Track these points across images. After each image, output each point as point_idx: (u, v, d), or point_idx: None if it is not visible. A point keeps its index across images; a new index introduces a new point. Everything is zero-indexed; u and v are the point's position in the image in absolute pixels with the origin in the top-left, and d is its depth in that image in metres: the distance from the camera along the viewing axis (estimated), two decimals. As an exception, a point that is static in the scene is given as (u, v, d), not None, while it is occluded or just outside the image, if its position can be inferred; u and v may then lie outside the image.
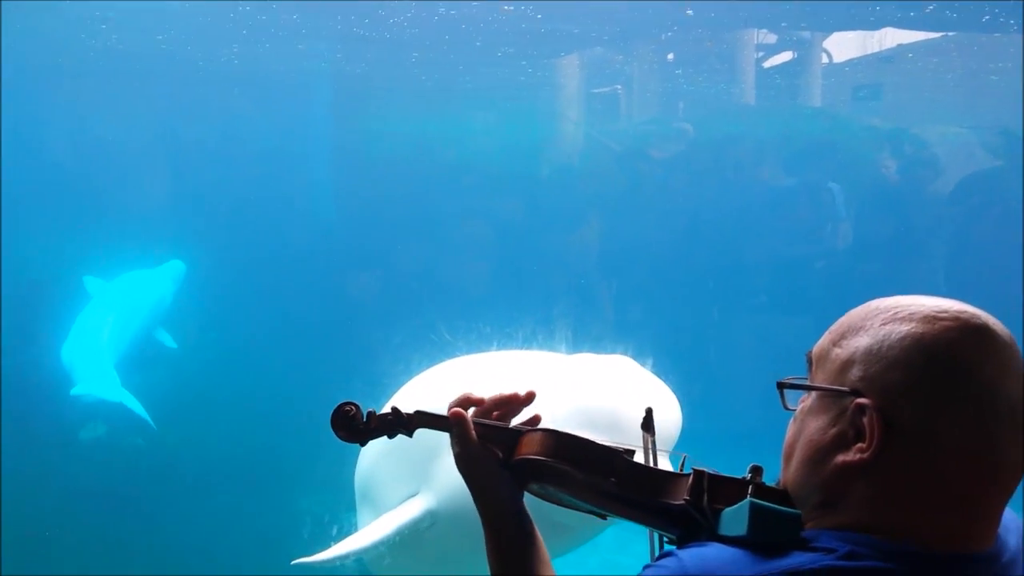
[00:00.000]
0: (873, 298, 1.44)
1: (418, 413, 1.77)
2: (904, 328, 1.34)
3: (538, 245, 10.91)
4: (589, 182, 11.04)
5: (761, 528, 1.35)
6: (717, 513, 1.46)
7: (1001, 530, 1.39)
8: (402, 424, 1.77)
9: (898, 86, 11.90)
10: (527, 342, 4.86)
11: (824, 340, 1.45)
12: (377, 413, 1.77)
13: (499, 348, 4.69)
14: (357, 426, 1.76)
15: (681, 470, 1.59)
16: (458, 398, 1.75)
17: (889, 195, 10.71)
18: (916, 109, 12.67)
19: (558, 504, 1.71)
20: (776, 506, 1.38)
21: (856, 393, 1.34)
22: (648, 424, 1.76)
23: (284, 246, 10.54)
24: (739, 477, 1.49)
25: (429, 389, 4.16)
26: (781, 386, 1.47)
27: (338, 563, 4.01)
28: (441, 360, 4.49)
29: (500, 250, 10.88)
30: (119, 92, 10.90)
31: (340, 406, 1.75)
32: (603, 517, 1.68)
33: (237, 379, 8.69)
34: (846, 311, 1.44)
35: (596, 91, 11.80)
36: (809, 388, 1.44)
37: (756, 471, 1.48)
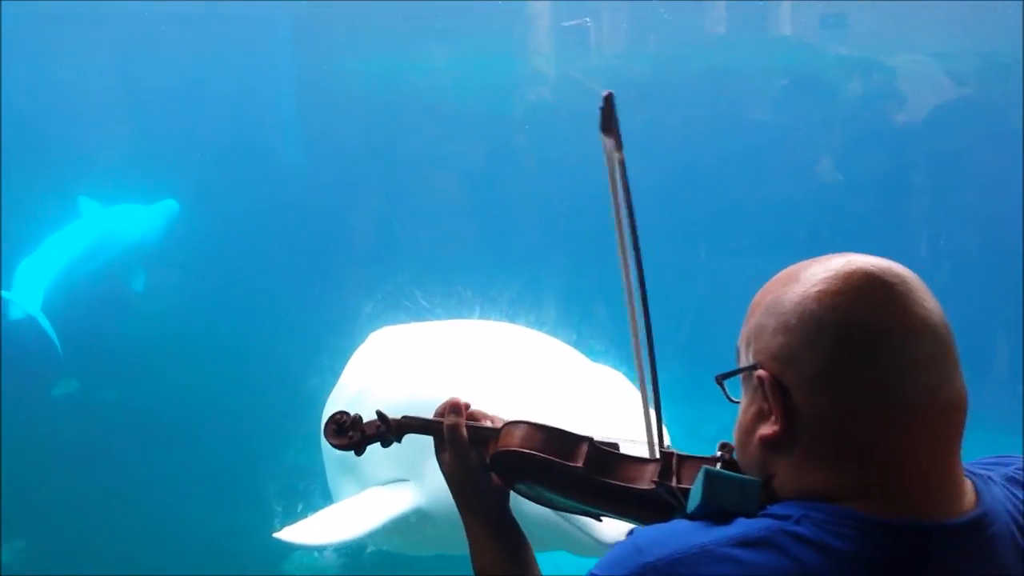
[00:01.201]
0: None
1: (407, 419, 1.78)
2: (787, 293, 1.34)
3: (513, 191, 10.74)
4: (564, 121, 10.84)
5: (716, 497, 1.32)
6: (686, 493, 1.42)
7: (986, 495, 1.33)
8: (391, 431, 1.78)
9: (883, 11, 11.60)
10: (508, 308, 4.76)
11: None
12: (365, 421, 1.78)
13: (479, 315, 4.59)
14: (349, 435, 1.77)
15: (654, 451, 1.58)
16: (448, 403, 1.76)
17: (876, 129, 10.55)
18: (904, 34, 12.36)
19: (548, 506, 1.69)
20: (731, 473, 1.36)
21: (754, 367, 1.35)
22: (607, 119, 1.44)
23: (244, 196, 10.30)
24: (709, 456, 1.46)
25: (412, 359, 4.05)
26: (718, 380, 1.44)
27: (320, 551, 3.94)
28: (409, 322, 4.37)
29: (474, 197, 10.71)
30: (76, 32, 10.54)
31: (332, 416, 1.77)
32: (597, 518, 1.67)
33: (208, 331, 8.57)
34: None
35: (569, 24, 11.48)
36: (726, 375, 1.43)
37: (725, 447, 1.44)
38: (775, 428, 1.32)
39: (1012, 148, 9.17)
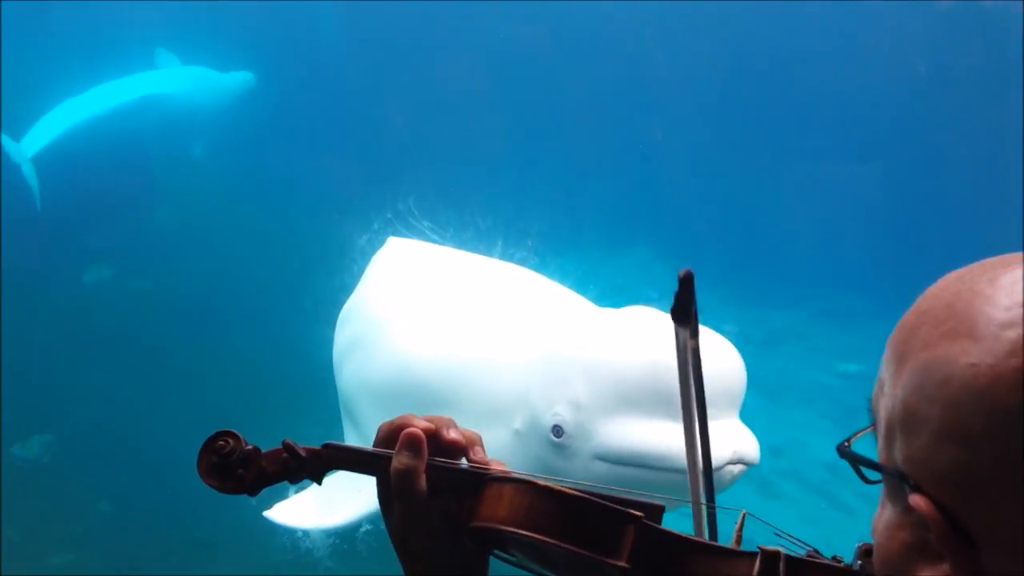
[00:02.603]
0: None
1: (333, 449, 1.17)
2: (956, 355, 0.78)
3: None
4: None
5: None
6: None
7: None
8: (303, 468, 1.17)
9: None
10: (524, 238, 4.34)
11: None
12: (264, 452, 1.16)
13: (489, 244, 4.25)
14: (238, 472, 1.14)
15: (738, 536, 1.05)
16: (404, 433, 1.13)
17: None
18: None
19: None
20: None
21: (905, 480, 0.81)
22: (682, 306, 1.06)
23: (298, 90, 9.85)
24: (832, 562, 0.97)
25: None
26: (842, 454, 0.92)
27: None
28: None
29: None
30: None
31: (212, 443, 1.14)
32: None
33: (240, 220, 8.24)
34: None
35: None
36: (854, 458, 0.91)
37: (867, 553, 0.92)
38: None
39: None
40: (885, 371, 0.87)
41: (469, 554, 1.13)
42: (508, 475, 1.10)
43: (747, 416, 2.81)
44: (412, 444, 1.12)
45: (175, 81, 9.17)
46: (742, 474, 2.69)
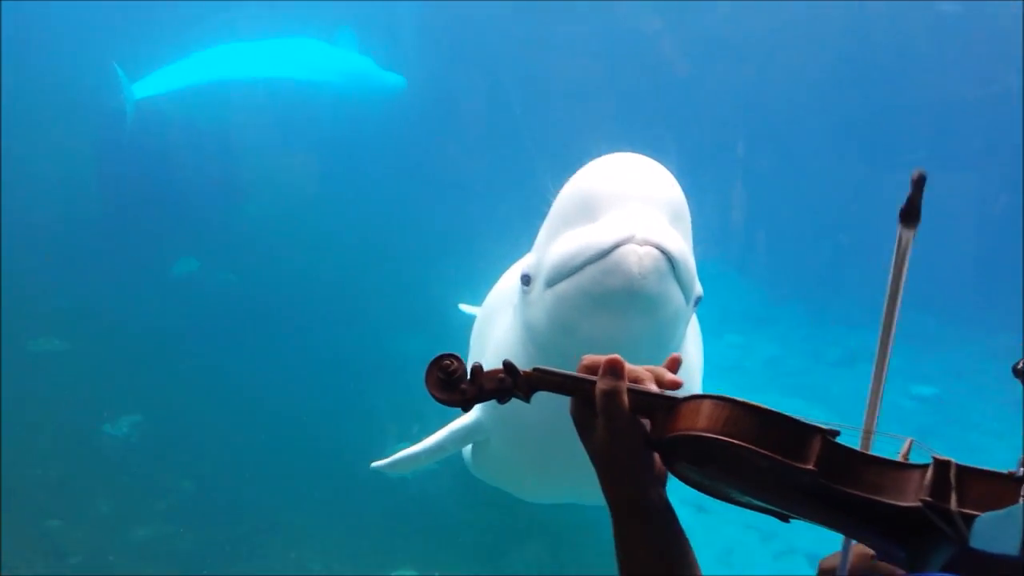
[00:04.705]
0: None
1: (542, 372, 1.34)
2: None
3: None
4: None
5: None
6: (967, 520, 1.05)
7: None
8: (518, 387, 1.36)
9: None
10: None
11: None
12: (486, 371, 1.36)
13: None
14: (462, 387, 1.35)
15: (904, 458, 1.17)
16: (605, 361, 1.31)
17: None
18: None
19: (722, 500, 1.30)
20: None
21: None
22: (913, 208, 1.21)
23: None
24: (1003, 472, 1.08)
25: None
26: (1017, 373, 1.09)
27: (404, 468, 3.87)
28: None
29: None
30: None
31: (439, 361, 1.35)
32: (784, 519, 1.25)
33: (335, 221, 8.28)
34: None
35: None
36: None
37: None
38: None
39: None
40: None
41: (656, 469, 1.30)
42: (704, 394, 1.24)
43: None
44: (614, 369, 1.30)
45: (340, 65, 8.65)
46: (658, 268, 2.51)
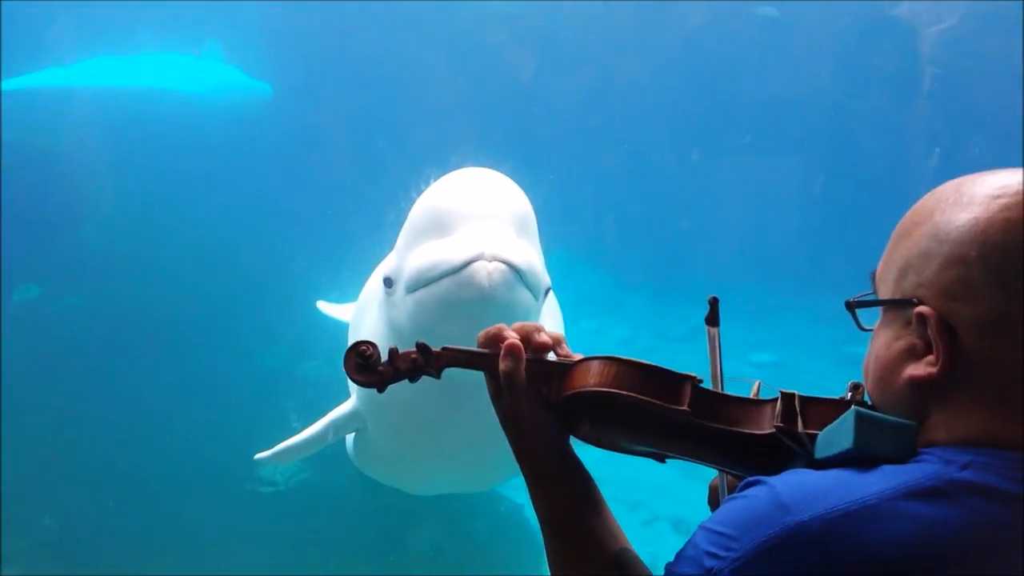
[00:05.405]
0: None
1: (450, 351, 1.49)
2: (958, 216, 1.18)
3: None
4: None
5: (869, 442, 1.18)
6: (812, 439, 1.28)
7: None
8: (430, 365, 1.49)
9: None
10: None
11: (886, 248, 1.30)
12: (400, 352, 1.49)
13: None
14: (379, 369, 1.48)
15: (755, 396, 1.40)
16: (506, 343, 1.47)
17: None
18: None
19: (611, 449, 1.50)
20: (886, 416, 1.22)
21: (913, 302, 1.19)
22: (713, 316, 1.49)
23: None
24: (835, 397, 1.33)
25: None
26: (849, 306, 1.31)
27: (288, 458, 3.98)
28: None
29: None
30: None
31: (356, 348, 1.47)
32: (661, 460, 1.49)
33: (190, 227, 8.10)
34: None
35: None
36: (866, 304, 1.29)
37: (855, 388, 1.32)
38: (932, 370, 1.19)
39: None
40: (894, 243, 1.26)
41: (557, 429, 1.48)
42: (591, 356, 1.44)
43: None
44: (512, 353, 1.45)
45: (205, 75, 8.65)
46: (506, 280, 2.79)
